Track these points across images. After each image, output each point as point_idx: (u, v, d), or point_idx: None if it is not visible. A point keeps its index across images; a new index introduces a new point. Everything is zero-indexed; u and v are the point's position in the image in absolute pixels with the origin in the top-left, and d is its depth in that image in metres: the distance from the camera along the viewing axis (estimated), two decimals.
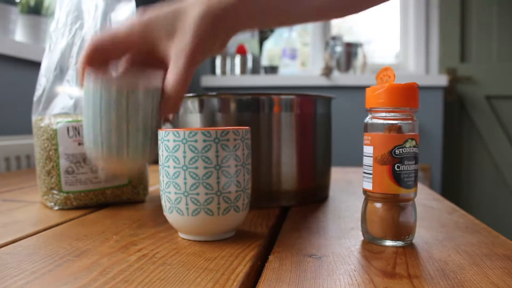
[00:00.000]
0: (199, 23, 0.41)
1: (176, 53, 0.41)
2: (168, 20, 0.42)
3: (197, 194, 0.37)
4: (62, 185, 0.51)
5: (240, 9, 0.43)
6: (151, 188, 0.66)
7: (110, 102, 0.39)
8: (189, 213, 0.37)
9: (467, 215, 0.50)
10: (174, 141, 0.37)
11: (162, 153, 0.38)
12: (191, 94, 0.55)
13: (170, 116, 0.44)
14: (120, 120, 0.39)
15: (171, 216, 0.39)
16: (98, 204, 0.53)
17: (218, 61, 1.94)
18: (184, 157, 0.37)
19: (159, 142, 0.39)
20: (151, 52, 0.44)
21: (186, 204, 0.37)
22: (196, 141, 0.36)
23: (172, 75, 0.41)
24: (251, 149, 0.40)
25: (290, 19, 0.49)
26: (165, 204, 0.39)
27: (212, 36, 0.42)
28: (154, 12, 0.43)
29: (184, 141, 0.37)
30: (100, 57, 0.43)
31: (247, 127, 0.40)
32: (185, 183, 0.37)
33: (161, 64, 0.44)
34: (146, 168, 0.56)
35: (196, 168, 0.37)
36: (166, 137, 0.37)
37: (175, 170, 0.37)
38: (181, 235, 0.40)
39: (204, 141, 0.36)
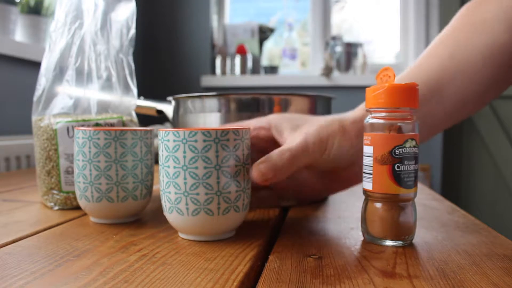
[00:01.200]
0: (312, 137, 0.43)
1: (295, 136, 0.43)
2: (297, 120, 0.46)
3: (197, 194, 0.37)
4: (62, 185, 0.51)
5: (347, 134, 0.44)
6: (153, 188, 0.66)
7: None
8: (189, 213, 0.37)
9: (467, 215, 0.50)
10: (174, 141, 0.37)
11: (162, 153, 0.38)
12: (191, 95, 0.55)
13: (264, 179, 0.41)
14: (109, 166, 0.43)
15: (171, 216, 0.39)
16: None
17: (218, 61, 1.94)
18: (184, 157, 0.37)
19: (159, 142, 0.39)
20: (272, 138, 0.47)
21: (186, 204, 0.37)
22: (196, 141, 0.36)
23: (287, 148, 0.42)
24: (251, 149, 0.41)
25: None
26: (165, 204, 0.39)
27: (318, 149, 0.43)
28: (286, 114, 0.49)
29: (184, 141, 0.37)
30: None
31: (248, 127, 0.40)
32: (185, 183, 0.37)
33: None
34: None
35: (196, 168, 0.37)
36: (166, 137, 0.38)
37: (175, 170, 0.37)
38: (181, 235, 0.40)
39: (204, 141, 0.37)
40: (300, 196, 0.52)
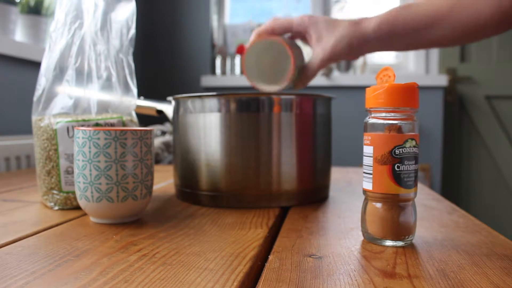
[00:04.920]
0: (338, 41, 0.60)
1: (318, 51, 0.61)
2: (325, 25, 0.61)
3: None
4: (62, 185, 0.51)
5: (371, 41, 0.61)
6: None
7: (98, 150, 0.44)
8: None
9: (467, 215, 0.50)
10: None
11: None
12: (191, 95, 0.55)
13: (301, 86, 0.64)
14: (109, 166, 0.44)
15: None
16: None
17: (218, 61, 1.94)
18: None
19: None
20: (302, 35, 0.63)
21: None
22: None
23: (312, 64, 0.61)
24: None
25: (412, 47, 0.65)
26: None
27: (345, 51, 0.60)
28: (321, 17, 0.62)
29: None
30: (271, 31, 0.62)
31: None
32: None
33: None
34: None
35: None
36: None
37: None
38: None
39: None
40: None
